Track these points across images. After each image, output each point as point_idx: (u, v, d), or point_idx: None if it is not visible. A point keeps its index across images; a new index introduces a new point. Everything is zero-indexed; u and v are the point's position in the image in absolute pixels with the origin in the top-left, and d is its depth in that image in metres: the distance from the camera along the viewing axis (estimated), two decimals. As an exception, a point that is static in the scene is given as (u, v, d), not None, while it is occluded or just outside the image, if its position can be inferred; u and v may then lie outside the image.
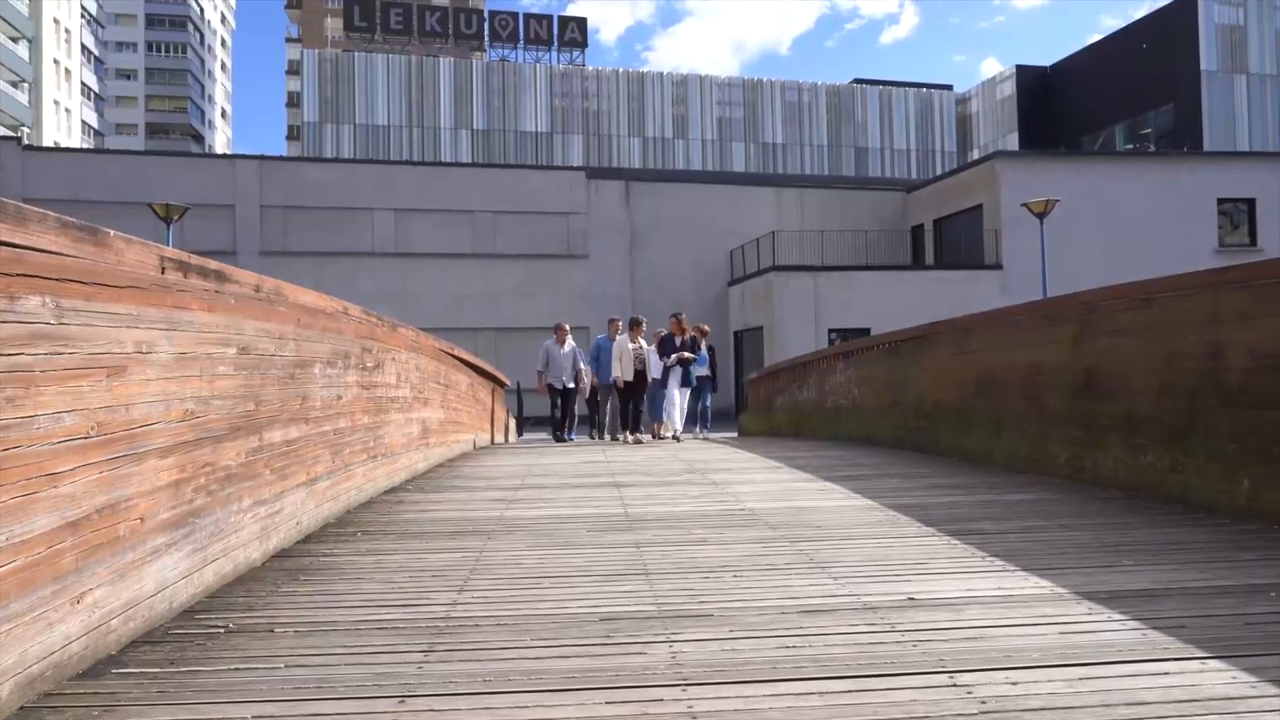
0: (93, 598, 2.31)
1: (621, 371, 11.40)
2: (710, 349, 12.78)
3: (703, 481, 6.15)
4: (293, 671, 2.27)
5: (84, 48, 67.93)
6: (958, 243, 28.08)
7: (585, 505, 5.10)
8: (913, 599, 2.84)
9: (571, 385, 12.53)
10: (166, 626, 2.66)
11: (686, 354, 11.54)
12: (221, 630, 2.63)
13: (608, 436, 12.47)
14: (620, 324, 12.65)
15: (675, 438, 11.51)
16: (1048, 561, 3.32)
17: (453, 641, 2.50)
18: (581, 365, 12.45)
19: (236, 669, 2.29)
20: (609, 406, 12.53)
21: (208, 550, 3.03)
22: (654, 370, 11.70)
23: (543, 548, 3.84)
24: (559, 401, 12.55)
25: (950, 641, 2.41)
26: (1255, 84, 43.50)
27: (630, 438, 11.30)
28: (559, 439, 12.28)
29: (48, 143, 54.78)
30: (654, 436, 11.87)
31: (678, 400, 11.67)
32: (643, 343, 11.71)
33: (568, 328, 12.80)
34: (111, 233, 2.48)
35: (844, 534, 4.00)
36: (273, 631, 2.62)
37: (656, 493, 5.60)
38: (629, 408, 11.60)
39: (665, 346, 11.59)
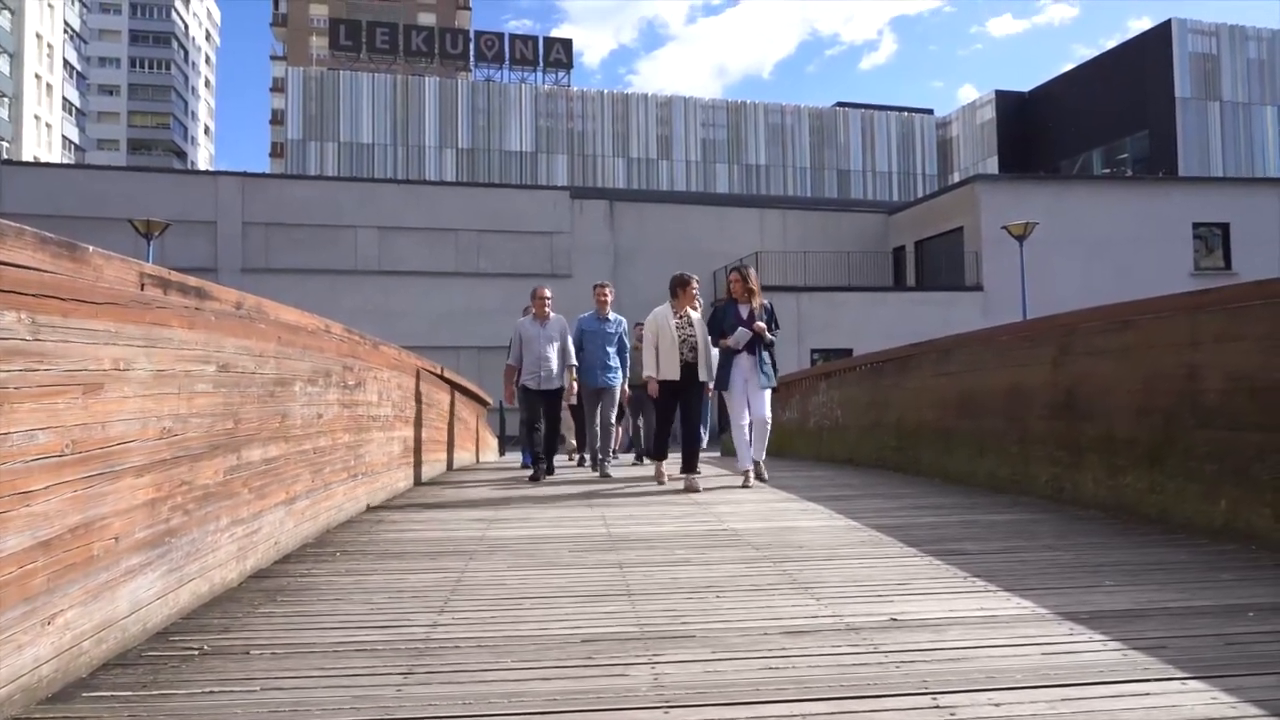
0: (64, 619, 2.27)
1: (660, 366, 6.79)
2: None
3: (685, 501, 6.12)
4: (268, 694, 2.23)
5: (66, 63, 67.73)
6: (939, 264, 28.36)
7: (567, 525, 5.07)
8: (895, 620, 2.83)
9: (557, 386, 8.12)
10: (140, 649, 2.61)
11: (761, 326, 6.84)
12: (196, 652, 2.59)
13: (595, 467, 8.36)
14: (609, 291, 8.57)
15: (745, 481, 6.82)
16: (1030, 582, 3.32)
17: (432, 663, 2.47)
18: (571, 357, 8.23)
19: (211, 692, 2.25)
20: (598, 420, 8.53)
21: (183, 570, 2.99)
22: (707, 365, 6.99)
23: (524, 568, 3.81)
24: (538, 413, 8.11)
25: (933, 662, 2.40)
26: (1228, 111, 44.41)
27: (680, 477, 6.88)
28: (534, 476, 7.80)
29: (27, 157, 54.41)
30: (659, 479, 7.08)
31: (746, 412, 6.89)
32: (693, 316, 7.02)
33: (548, 295, 8.13)
34: (90, 248, 2.46)
35: (827, 554, 4.00)
36: (248, 653, 2.58)
37: (639, 512, 5.57)
38: (668, 426, 7.02)
39: (720, 323, 6.98)
